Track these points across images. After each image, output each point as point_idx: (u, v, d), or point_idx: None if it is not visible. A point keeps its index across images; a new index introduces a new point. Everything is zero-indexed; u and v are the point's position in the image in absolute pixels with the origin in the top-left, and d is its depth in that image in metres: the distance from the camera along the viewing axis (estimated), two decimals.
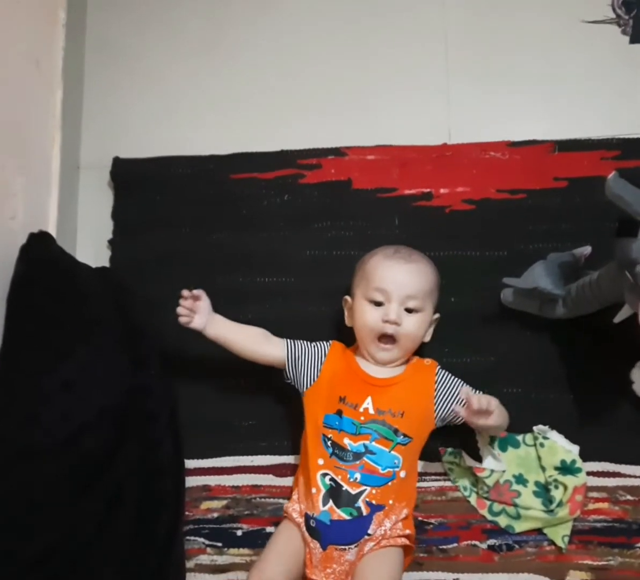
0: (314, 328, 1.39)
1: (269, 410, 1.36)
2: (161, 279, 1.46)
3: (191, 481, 1.33)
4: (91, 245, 1.52)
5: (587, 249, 1.36)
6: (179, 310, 1.28)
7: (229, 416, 1.38)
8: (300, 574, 1.19)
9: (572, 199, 1.44)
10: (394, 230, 1.46)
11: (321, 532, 1.18)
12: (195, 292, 1.29)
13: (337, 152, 1.52)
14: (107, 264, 1.49)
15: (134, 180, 1.54)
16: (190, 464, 1.34)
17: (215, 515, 1.33)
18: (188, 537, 1.31)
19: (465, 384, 1.28)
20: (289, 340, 1.31)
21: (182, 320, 1.28)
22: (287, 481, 1.33)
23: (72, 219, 1.53)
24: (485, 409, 1.17)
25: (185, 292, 1.29)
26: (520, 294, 1.35)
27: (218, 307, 1.42)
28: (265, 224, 1.49)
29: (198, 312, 1.28)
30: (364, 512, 1.18)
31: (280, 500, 1.32)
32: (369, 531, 1.18)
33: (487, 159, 1.48)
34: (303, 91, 1.58)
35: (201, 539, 1.31)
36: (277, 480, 1.34)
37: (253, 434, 1.37)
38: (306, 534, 1.19)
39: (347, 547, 1.17)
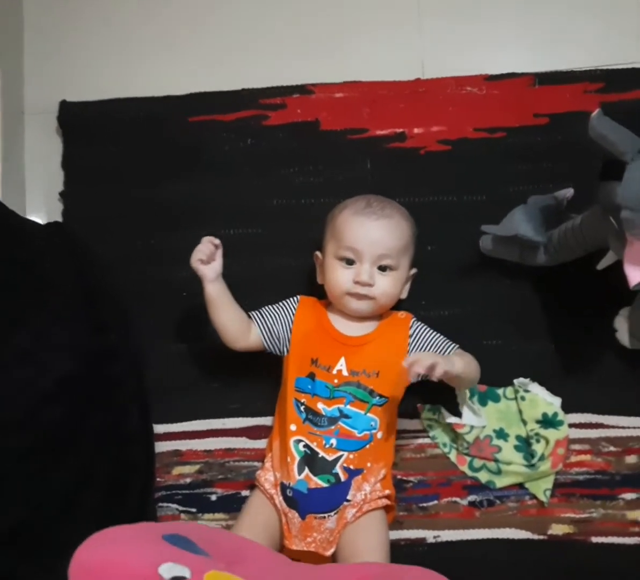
0: (284, 283, 1.32)
1: (239, 371, 1.30)
2: (119, 233, 1.38)
3: (161, 446, 1.28)
4: (42, 198, 1.42)
5: (569, 191, 1.29)
6: (200, 248, 1.18)
7: (198, 378, 1.32)
8: (275, 545, 1.15)
9: (553, 136, 1.37)
10: (366, 174, 1.38)
11: (298, 501, 1.14)
12: (216, 241, 1.19)
13: (303, 89, 1.41)
14: (59, 219, 1.39)
15: (83, 126, 1.43)
16: (159, 428, 1.29)
17: (188, 480, 1.28)
18: (160, 504, 1.26)
19: (440, 335, 1.22)
20: (254, 313, 1.23)
21: (199, 257, 1.17)
22: (261, 443, 1.28)
23: (19, 170, 1.42)
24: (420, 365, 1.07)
25: (209, 238, 1.20)
26: (500, 241, 1.28)
27: (181, 263, 1.35)
28: (227, 170, 1.39)
29: (215, 260, 1.19)
30: (342, 478, 1.14)
31: (255, 463, 1.27)
32: (348, 497, 1.14)
33: (463, 95, 1.39)
34: (265, 23, 1.45)
35: (174, 505, 1.27)
36: (251, 442, 1.29)
37: (223, 395, 1.31)
38: (283, 504, 1.15)
39: (326, 515, 1.13)
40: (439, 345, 1.21)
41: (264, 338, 1.22)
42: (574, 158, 1.33)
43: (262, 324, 1.22)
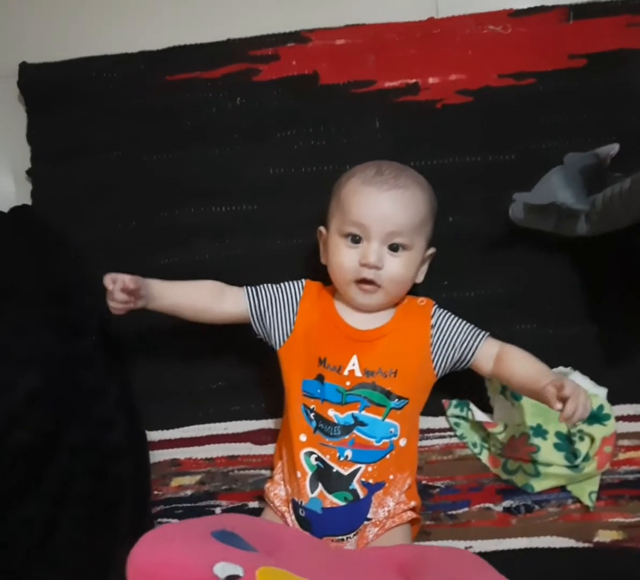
0: (286, 267, 1.17)
1: (240, 368, 1.16)
2: (95, 215, 1.22)
3: (157, 455, 1.15)
4: (7, 178, 1.26)
5: (614, 148, 1.12)
6: (114, 307, 0.98)
7: (194, 379, 1.17)
8: None
9: (592, 81, 1.20)
10: (374, 135, 1.22)
11: (312, 522, 1.00)
12: (130, 284, 0.96)
13: (298, 37, 1.23)
14: (28, 201, 1.23)
15: (49, 91, 1.25)
16: (153, 435, 1.16)
17: (189, 492, 1.15)
18: (159, 520, 1.14)
19: (467, 323, 1.06)
20: (250, 288, 1.08)
21: (119, 313, 1.00)
22: (268, 449, 1.15)
23: None
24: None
25: (111, 278, 0.97)
26: (534, 209, 1.11)
27: (167, 248, 1.20)
28: (215, 137, 1.22)
29: (138, 298, 0.99)
30: (361, 494, 1.00)
31: (262, 471, 1.14)
32: (369, 515, 1.00)
33: (485, 36, 1.22)
34: None
35: (175, 520, 1.14)
36: (257, 448, 1.16)
37: (224, 397, 1.17)
38: (296, 525, 1.01)
39: (345, 537, 1.00)
40: (466, 334, 1.05)
41: (254, 321, 1.07)
42: (618, 106, 1.18)
43: (254, 304, 1.06)
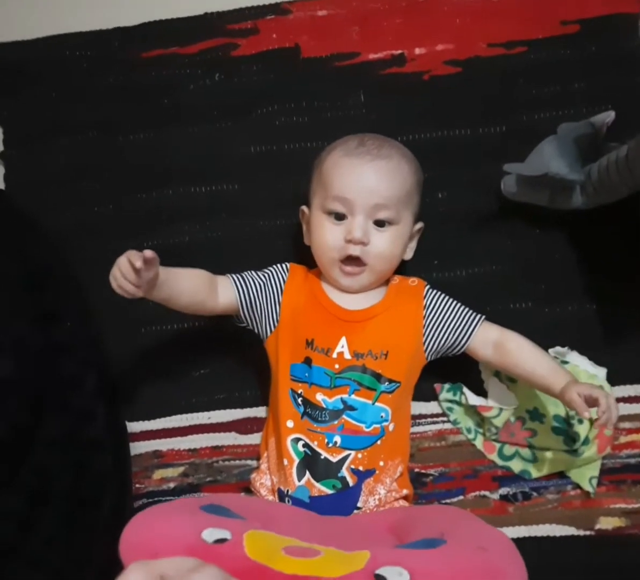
0: (268, 248, 1.13)
1: (224, 354, 1.11)
2: (71, 199, 1.17)
3: (138, 447, 1.11)
4: None
5: (609, 115, 1.07)
6: (121, 284, 0.88)
7: (177, 366, 1.13)
8: None
9: (586, 48, 1.15)
10: (359, 109, 1.17)
11: None
12: (148, 255, 0.85)
13: (278, 9, 1.19)
14: (0, 184, 1.19)
15: (19, 71, 1.21)
16: (134, 427, 1.11)
17: (172, 485, 1.11)
18: None
19: (461, 306, 1.02)
20: (235, 276, 1.02)
21: (127, 290, 0.88)
22: (254, 438, 1.10)
23: None
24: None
25: (136, 255, 0.86)
26: (526, 182, 1.07)
27: (146, 231, 1.15)
28: (193, 115, 1.18)
29: (148, 283, 0.89)
30: (350, 482, 0.96)
31: (248, 462, 1.10)
32: (359, 504, 0.96)
33: (473, 3, 1.18)
34: None
35: None
36: (242, 438, 1.11)
37: (208, 385, 1.12)
38: None
39: None
40: (460, 318, 1.00)
41: (243, 311, 1.02)
42: (613, 73, 1.13)
43: (243, 294, 1.01)
